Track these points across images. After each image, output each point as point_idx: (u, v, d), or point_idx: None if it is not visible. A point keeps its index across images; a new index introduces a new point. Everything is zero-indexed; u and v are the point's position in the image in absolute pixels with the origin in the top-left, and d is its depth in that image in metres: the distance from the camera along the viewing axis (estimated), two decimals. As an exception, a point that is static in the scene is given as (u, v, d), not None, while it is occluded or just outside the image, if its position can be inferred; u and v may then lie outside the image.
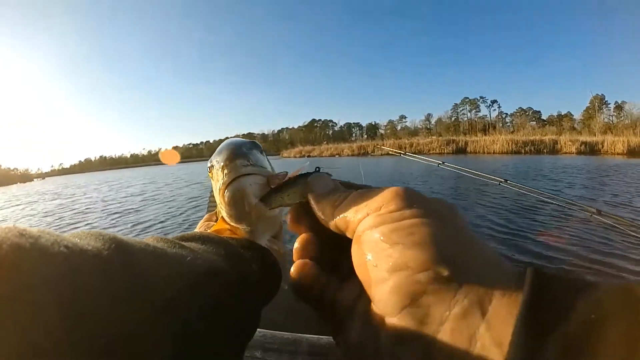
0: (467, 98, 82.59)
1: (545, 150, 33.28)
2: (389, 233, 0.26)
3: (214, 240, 0.42)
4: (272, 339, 1.41)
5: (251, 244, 0.49)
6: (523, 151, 33.88)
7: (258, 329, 1.52)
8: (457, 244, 0.25)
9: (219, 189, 0.46)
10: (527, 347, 0.19)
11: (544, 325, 0.19)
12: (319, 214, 0.34)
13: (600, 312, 0.19)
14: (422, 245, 0.25)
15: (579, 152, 30.57)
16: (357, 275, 0.29)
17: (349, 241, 0.31)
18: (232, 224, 0.51)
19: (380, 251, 0.26)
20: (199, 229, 0.60)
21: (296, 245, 0.36)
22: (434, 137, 48.02)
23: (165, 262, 0.29)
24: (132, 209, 10.39)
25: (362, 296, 0.30)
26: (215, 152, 0.48)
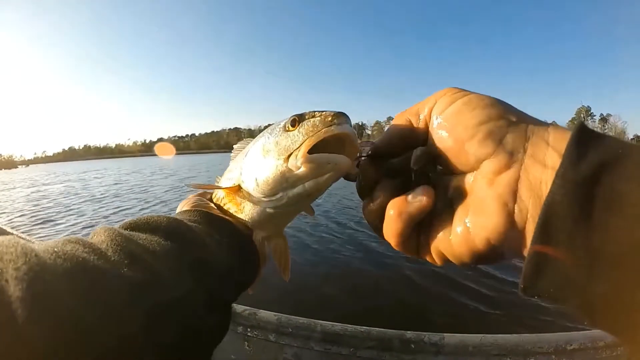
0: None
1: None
2: (466, 102, 0.35)
3: (181, 232, 0.42)
4: (287, 323, 1.43)
5: (235, 233, 0.50)
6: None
7: (273, 313, 1.36)
8: (513, 107, 0.35)
9: (303, 141, 0.43)
10: (578, 153, 0.27)
11: (588, 145, 0.27)
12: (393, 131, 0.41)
13: (626, 149, 0.26)
14: (493, 105, 0.34)
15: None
16: (445, 155, 0.36)
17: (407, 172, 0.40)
18: (257, 195, 0.49)
19: (464, 115, 0.34)
20: (185, 203, 0.58)
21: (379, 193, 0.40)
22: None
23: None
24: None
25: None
26: (304, 113, 0.46)
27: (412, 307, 3.05)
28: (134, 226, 0.41)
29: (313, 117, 0.44)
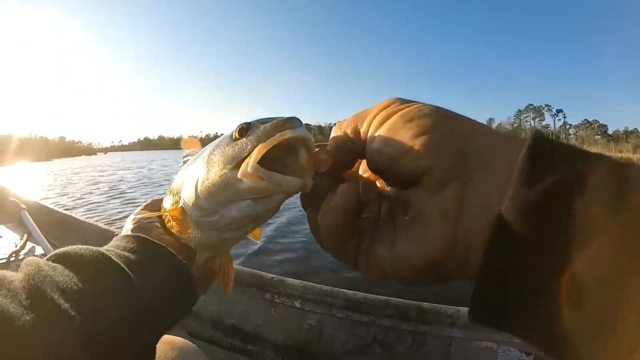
0: (532, 105, 79.33)
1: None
2: (403, 115, 0.32)
3: (103, 269, 0.42)
4: (312, 291, 1.53)
5: (172, 264, 0.48)
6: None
7: (299, 280, 1.47)
8: (454, 114, 0.32)
9: (252, 148, 0.38)
10: (531, 169, 0.23)
11: (545, 158, 0.24)
12: (336, 144, 0.37)
13: (589, 164, 0.23)
14: (429, 115, 0.31)
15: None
16: (381, 171, 0.34)
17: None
18: (195, 213, 0.45)
19: (399, 129, 0.31)
20: (133, 220, 0.56)
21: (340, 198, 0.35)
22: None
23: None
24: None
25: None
26: (252, 121, 0.41)
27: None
28: (61, 258, 0.42)
29: (264, 123, 0.40)
